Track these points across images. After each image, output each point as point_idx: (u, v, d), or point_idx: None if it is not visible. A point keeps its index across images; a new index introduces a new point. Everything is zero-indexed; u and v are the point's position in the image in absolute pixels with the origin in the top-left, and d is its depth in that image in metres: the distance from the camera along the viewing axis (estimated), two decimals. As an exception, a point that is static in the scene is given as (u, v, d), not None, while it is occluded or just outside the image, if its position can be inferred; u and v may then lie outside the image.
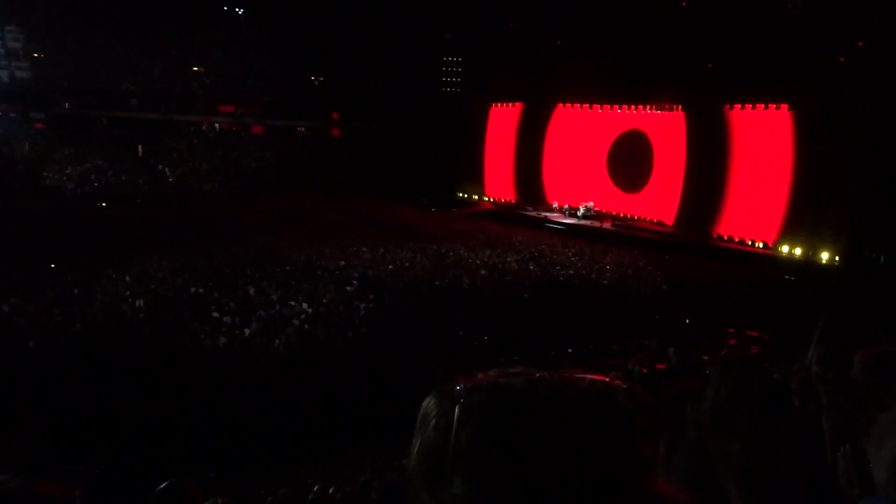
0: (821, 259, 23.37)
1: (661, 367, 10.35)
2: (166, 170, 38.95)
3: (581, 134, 33.49)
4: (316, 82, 45.34)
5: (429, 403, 0.77)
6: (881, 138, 21.69)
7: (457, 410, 0.74)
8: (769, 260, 23.70)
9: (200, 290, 15.41)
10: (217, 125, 43.56)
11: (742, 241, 26.16)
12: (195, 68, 43.24)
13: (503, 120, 36.94)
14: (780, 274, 21.38)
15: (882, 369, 2.11)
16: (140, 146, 39.21)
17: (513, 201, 35.88)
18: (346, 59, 40.88)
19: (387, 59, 39.54)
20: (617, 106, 32.14)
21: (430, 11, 35.26)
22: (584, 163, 33.34)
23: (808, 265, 22.87)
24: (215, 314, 13.71)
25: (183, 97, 42.06)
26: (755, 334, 13.83)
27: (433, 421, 0.75)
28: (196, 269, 17.52)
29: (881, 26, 21.57)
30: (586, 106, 33.22)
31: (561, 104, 34.09)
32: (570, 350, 12.98)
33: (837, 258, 22.92)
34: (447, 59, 41.09)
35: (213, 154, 41.03)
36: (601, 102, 32.51)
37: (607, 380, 0.82)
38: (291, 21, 39.89)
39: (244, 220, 27.48)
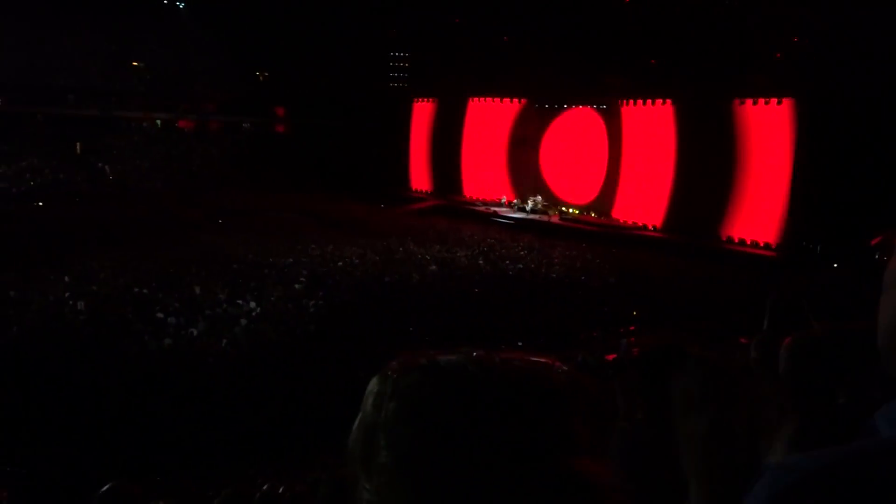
0: (760, 249, 24.11)
1: (610, 357, 10.55)
2: (106, 167, 37.86)
3: (530, 130, 33.86)
4: (261, 78, 44.66)
5: (372, 383, 0.79)
6: (815, 131, 22.48)
7: (388, 384, 0.76)
8: (710, 251, 24.29)
9: (144, 291, 15.07)
10: (159, 121, 42.52)
11: (686, 233, 26.77)
12: (135, 63, 42.10)
13: (479, 116, 37.00)
14: (721, 264, 21.94)
15: (805, 354, 2.15)
16: (78, 143, 38.02)
17: (465, 198, 35.99)
18: (292, 54, 40.37)
19: (333, 54, 39.17)
20: (556, 103, 32.70)
21: (377, 7, 35.05)
22: (536, 157, 33.75)
23: (748, 256, 23.53)
24: (160, 314, 13.41)
25: (123, 93, 40.89)
26: (701, 324, 14.17)
27: (371, 398, 0.77)
28: (139, 269, 17.13)
29: (813, 23, 22.32)
30: (544, 102, 33.51)
31: (528, 101, 34.27)
32: (520, 343, 13.10)
33: (776, 248, 23.69)
34: (394, 54, 40.92)
35: (156, 151, 40.06)
36: (551, 100, 32.87)
37: (548, 361, 0.82)
38: (235, 15, 39.20)
39: (189, 218, 26.94)
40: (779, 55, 24.51)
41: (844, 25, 20.55)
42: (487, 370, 0.75)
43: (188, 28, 41.80)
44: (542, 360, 0.82)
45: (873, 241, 0.81)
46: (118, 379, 10.13)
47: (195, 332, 12.62)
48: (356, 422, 0.78)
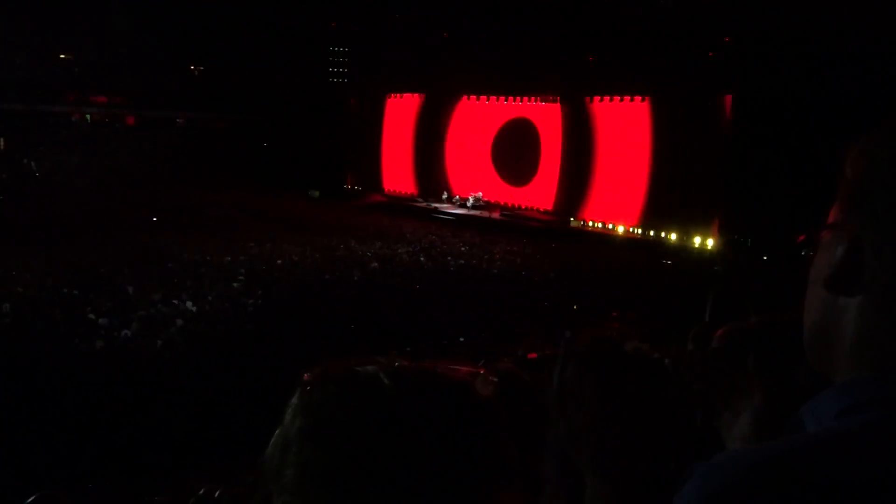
0: (694, 243, 24.79)
1: (550, 352, 10.67)
2: (32, 164, 36.46)
3: (474, 125, 33.90)
4: (196, 72, 43.63)
5: (296, 393, 0.76)
6: (743, 128, 23.24)
7: (300, 398, 0.72)
8: (648, 245, 24.85)
9: (74, 292, 14.56)
10: (89, 116, 41.13)
11: (618, 229, 27.33)
12: (62, 56, 40.60)
13: (400, 111, 36.83)
14: (658, 258, 22.48)
15: (735, 345, 2.19)
16: (1, 139, 36.50)
17: (412, 193, 35.86)
18: (229, 47, 39.56)
19: (271, 48, 38.55)
20: (503, 98, 32.76)
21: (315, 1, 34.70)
22: (475, 153, 33.79)
23: (682, 249, 24.18)
24: (91, 316, 12.98)
25: (50, 86, 39.38)
26: (633, 316, 14.49)
27: (289, 409, 0.74)
28: (68, 269, 16.54)
29: (743, 22, 23.05)
30: (483, 98, 33.54)
31: (466, 96, 34.22)
32: (461, 339, 13.14)
33: (709, 242, 24.40)
34: (334, 49, 40.52)
35: (86, 147, 38.75)
36: (496, 94, 32.92)
37: (479, 371, 0.80)
38: (169, 7, 38.17)
39: (121, 216, 26.15)
40: (711, 54, 25.21)
41: (777, 26, 21.21)
42: (405, 384, 0.71)
43: (118, 20, 40.49)
44: (469, 370, 0.78)
45: (800, 238, 0.83)
46: (46, 383, 9.77)
47: (128, 334, 12.26)
48: (276, 433, 0.74)
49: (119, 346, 11.84)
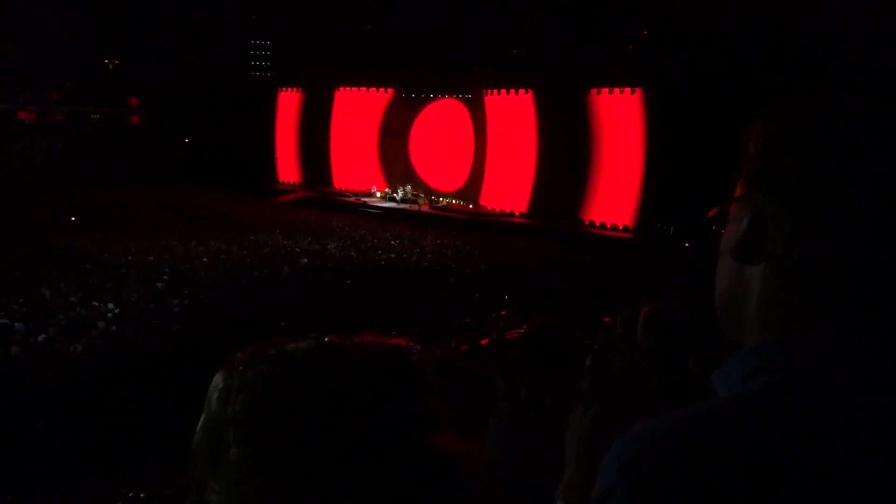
0: (618, 232, 25.44)
1: (483, 342, 10.76)
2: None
3: (400, 120, 33.89)
4: (111, 66, 42.02)
5: (216, 379, 0.76)
6: (665, 119, 23.94)
7: (235, 378, 0.73)
8: (578, 235, 25.34)
9: (-16, 296, 13.85)
10: (-6, 114, 39.12)
11: (547, 217, 27.82)
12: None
13: (347, 106, 36.54)
14: (582, 247, 22.93)
15: (658, 326, 2.27)
16: None
17: (334, 189, 35.59)
18: (144, 41, 38.24)
19: (190, 41, 37.46)
20: (421, 93, 32.96)
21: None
22: (399, 147, 33.82)
23: (608, 238, 24.76)
24: (5, 321, 12.38)
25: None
26: (563, 305, 14.76)
27: (215, 394, 0.74)
28: (-22, 273, 15.72)
29: (660, 17, 23.72)
30: (400, 91, 33.53)
31: (396, 91, 34.15)
32: (394, 332, 13.09)
33: (638, 231, 25.08)
34: (255, 42, 39.69)
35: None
36: (415, 91, 33.01)
37: (401, 342, 0.83)
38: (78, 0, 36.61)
39: (34, 217, 24.99)
40: (630, 46, 25.84)
41: (690, 19, 21.89)
42: (339, 355, 0.74)
43: (25, 12, 38.55)
44: (395, 342, 0.82)
45: (710, 213, 0.89)
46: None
47: (46, 338, 11.75)
48: (200, 422, 0.74)
49: (36, 352, 11.35)
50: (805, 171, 0.74)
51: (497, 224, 27.44)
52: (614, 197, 25.83)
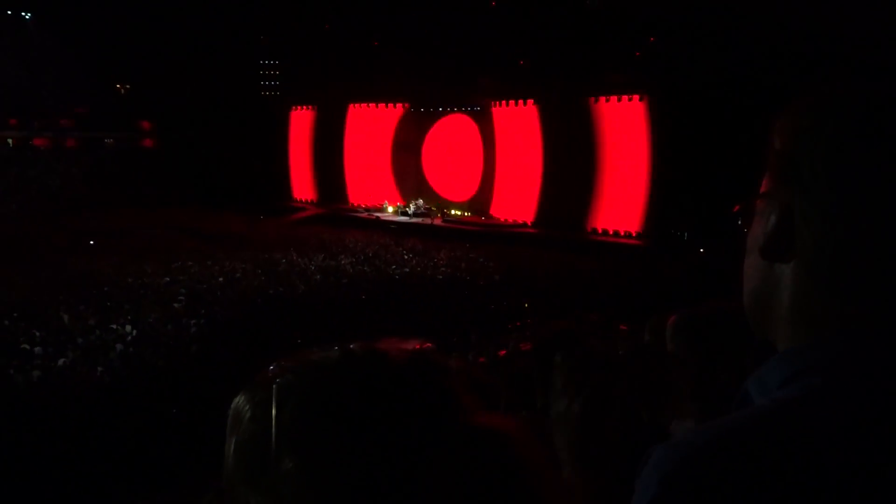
0: (628, 239, 25.34)
1: (501, 353, 10.71)
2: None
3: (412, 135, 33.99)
4: (122, 90, 42.44)
5: (239, 401, 0.77)
6: (671, 125, 23.89)
7: (274, 391, 0.73)
8: (587, 244, 25.25)
9: (6, 322, 13.98)
10: (10, 140, 39.56)
11: (560, 227, 27.76)
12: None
13: (301, 123, 36.77)
14: (599, 255, 22.84)
15: (688, 332, 2.26)
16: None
17: (347, 205, 35.67)
18: (155, 64, 38.59)
19: (199, 65, 37.75)
20: (429, 108, 33.16)
21: (241, 14, 34.13)
22: (412, 161, 33.89)
23: (618, 246, 24.66)
24: (25, 346, 12.48)
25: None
26: (580, 313, 14.68)
27: (248, 414, 0.75)
28: (-2, 299, 15.88)
29: (666, 22, 23.72)
30: (407, 106, 33.62)
31: (407, 106, 34.26)
32: (411, 338, 13.07)
33: (647, 237, 24.97)
34: (264, 62, 39.96)
35: (7, 172, 37.22)
36: (424, 105, 33.10)
37: (428, 346, 0.84)
38: (90, 26, 37.01)
39: (52, 241, 25.21)
40: (637, 54, 25.84)
41: (693, 26, 21.86)
42: (372, 358, 0.76)
43: (37, 40, 39.08)
44: (416, 344, 0.84)
45: (735, 209, 0.87)
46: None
47: (66, 362, 11.83)
48: (230, 443, 0.75)
49: (56, 376, 11.43)
50: (837, 165, 0.71)
51: (509, 235, 27.41)
52: (622, 205, 25.72)
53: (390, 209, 32.78)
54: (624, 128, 25.51)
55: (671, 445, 0.70)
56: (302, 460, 0.70)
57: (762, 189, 0.80)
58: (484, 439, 0.73)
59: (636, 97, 25.12)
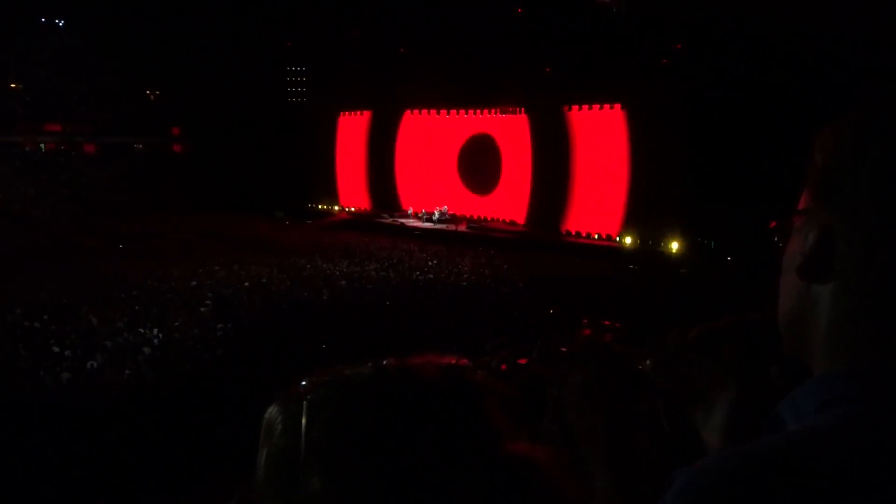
0: (660, 248, 25.06)
1: (522, 361, 10.66)
2: (-14, 196, 35.66)
3: (431, 139, 33.88)
4: (152, 97, 43.08)
5: (272, 412, 0.76)
6: (704, 134, 23.64)
7: (304, 408, 0.73)
8: (615, 252, 25.08)
9: (36, 324, 14.20)
10: (43, 145, 40.31)
11: (588, 236, 27.54)
12: (13, 85, 39.78)
13: (352, 128, 36.73)
14: (625, 264, 22.69)
15: (709, 342, 2.22)
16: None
17: (368, 209, 35.76)
18: (184, 71, 39.13)
19: (227, 70, 38.20)
20: (464, 111, 32.81)
21: (270, 20, 34.47)
22: (436, 168, 33.75)
23: (649, 255, 24.43)
24: (55, 348, 12.66)
25: (1, 117, 38.53)
26: (608, 323, 14.54)
27: (279, 426, 0.74)
28: (30, 302, 16.14)
29: (700, 28, 23.51)
30: (434, 112, 33.58)
31: (409, 111, 34.19)
32: (447, 352, 13.06)
33: (675, 247, 24.70)
34: (291, 68, 40.30)
35: (41, 176, 37.97)
36: (448, 108, 32.99)
37: (454, 361, 0.83)
38: (120, 32, 37.65)
39: (82, 244, 25.62)
40: (665, 61, 25.65)
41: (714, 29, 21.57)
42: (405, 376, 0.74)
43: (71, 47, 39.82)
44: (448, 360, 0.82)
45: (771, 224, 0.84)
46: (11, 418, 9.50)
47: (94, 365, 11.99)
48: (262, 454, 0.74)
49: (85, 378, 11.58)
50: (882, 185, 0.68)
51: (539, 242, 27.30)
52: (655, 214, 25.37)
53: (414, 215, 32.78)
54: (655, 138, 25.20)
55: (696, 470, 0.66)
56: (330, 480, 0.69)
57: (800, 206, 0.77)
58: (514, 469, 0.71)
59: (668, 106, 24.82)
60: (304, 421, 0.71)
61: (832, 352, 0.73)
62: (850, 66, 19.00)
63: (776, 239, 0.81)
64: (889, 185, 0.68)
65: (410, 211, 33.31)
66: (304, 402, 0.73)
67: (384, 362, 0.78)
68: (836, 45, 20.37)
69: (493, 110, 31.76)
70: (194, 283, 18.65)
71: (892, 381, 0.67)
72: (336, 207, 37.07)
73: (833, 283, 0.72)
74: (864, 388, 0.68)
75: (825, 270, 0.72)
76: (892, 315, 0.69)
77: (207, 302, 16.44)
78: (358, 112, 36.28)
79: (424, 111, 33.77)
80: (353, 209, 36.68)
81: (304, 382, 0.76)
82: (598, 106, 27.92)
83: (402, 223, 32.03)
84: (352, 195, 37.01)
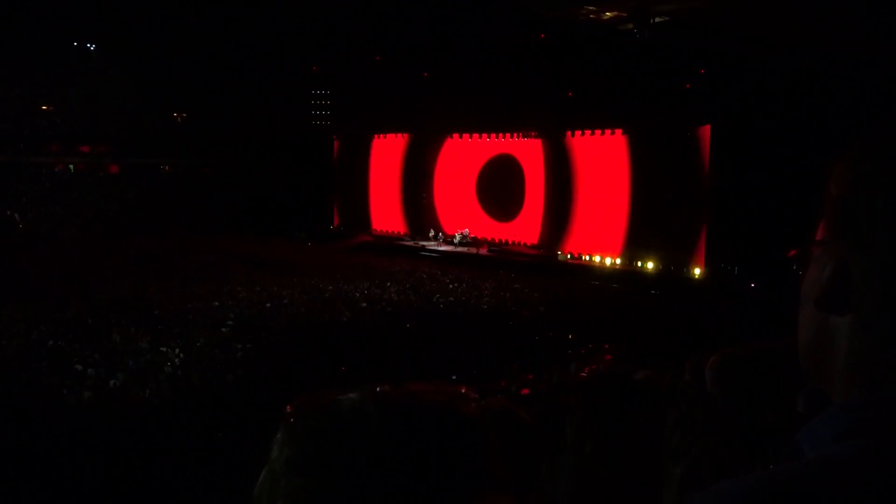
0: (683, 273, 24.85)
1: (542, 387, 10.57)
2: (16, 215, 36.27)
3: (459, 163, 33.92)
4: (179, 119, 43.77)
5: (277, 436, 0.77)
6: (723, 159, 23.56)
7: (286, 430, 0.73)
8: (636, 276, 24.92)
9: (60, 343, 14.38)
10: (72, 166, 41.05)
11: (602, 260, 27.31)
12: (44, 107, 40.64)
13: (386, 151, 36.83)
14: (647, 289, 22.54)
15: (729, 373, 2.18)
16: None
17: (401, 232, 35.72)
18: (210, 94, 39.75)
19: (252, 93, 38.76)
20: (486, 135, 32.94)
21: (296, 45, 34.93)
22: (461, 191, 33.77)
23: (672, 279, 24.23)
24: (78, 366, 12.80)
25: (31, 137, 39.30)
26: (626, 348, 14.45)
27: (275, 443, 0.74)
28: (55, 320, 16.35)
29: (715, 55, 23.51)
30: (466, 136, 33.58)
31: (452, 136, 34.16)
32: (454, 377, 13.03)
33: (697, 272, 24.48)
34: (315, 92, 40.79)
35: (69, 196, 38.64)
36: (480, 132, 32.99)
37: (461, 390, 0.81)
38: (149, 56, 38.37)
39: (107, 264, 25.96)
40: (688, 85, 25.64)
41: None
42: (388, 407, 0.72)
43: (100, 70, 40.66)
44: (452, 390, 0.80)
45: (790, 253, 0.83)
46: (34, 436, 9.58)
47: (117, 384, 12.09)
48: (263, 471, 0.74)
49: (107, 397, 11.67)
50: None
51: (560, 267, 27.21)
52: (679, 239, 25.20)
53: (435, 238, 32.78)
54: (680, 161, 25.19)
55: (709, 496, 0.66)
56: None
57: (818, 235, 0.77)
58: None
59: (696, 129, 24.78)
60: (277, 444, 0.72)
61: (850, 383, 0.73)
62: (859, 94, 18.91)
63: (795, 268, 0.82)
64: None
65: (431, 233, 33.35)
66: (285, 426, 0.73)
67: (377, 389, 0.76)
68: (845, 72, 20.30)
69: (514, 134, 31.83)
70: (216, 303, 18.79)
71: None
72: (361, 230, 37.07)
73: (851, 316, 0.72)
74: (881, 419, 0.67)
75: (842, 303, 0.72)
76: None
77: (229, 322, 16.56)
78: (394, 135, 36.12)
79: (466, 135, 33.66)
80: (385, 231, 36.63)
81: (294, 404, 0.76)
82: (600, 131, 28.27)
83: (423, 245, 32.09)
84: (385, 218, 37.00)
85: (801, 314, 0.80)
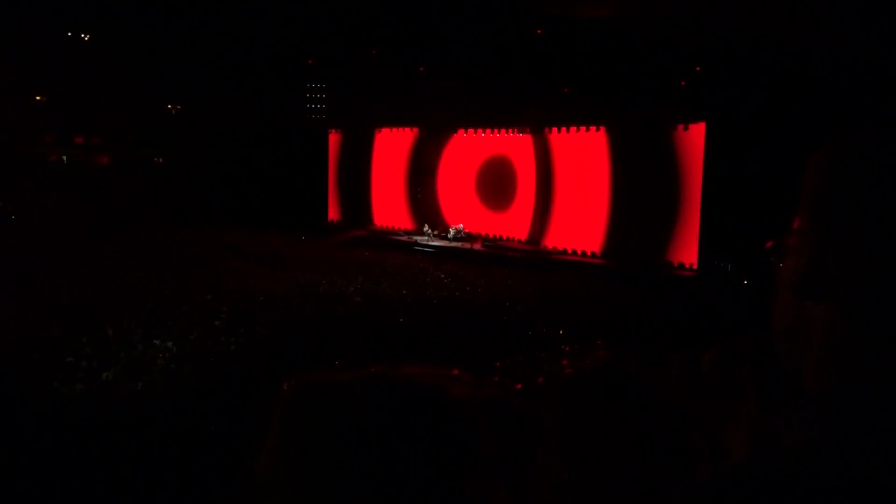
0: (677, 269, 24.96)
1: (540, 381, 10.61)
2: (7, 206, 36.12)
3: (463, 158, 33.90)
4: (173, 111, 43.63)
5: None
6: (715, 157, 23.65)
7: (277, 409, 0.78)
8: (631, 273, 24.98)
9: (52, 334, 14.32)
10: (64, 157, 40.90)
11: (600, 256, 27.41)
12: (37, 97, 40.45)
13: (390, 145, 36.66)
14: (641, 285, 22.59)
15: (722, 365, 2.19)
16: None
17: (406, 228, 35.64)
18: (204, 86, 39.63)
19: (247, 85, 38.66)
20: (482, 130, 32.90)
21: (292, 37, 34.81)
22: (463, 186, 33.75)
23: (665, 275, 24.32)
24: (70, 359, 12.75)
25: (23, 128, 39.15)
26: (620, 343, 14.46)
27: (272, 422, 0.79)
28: (45, 312, 16.28)
29: (708, 52, 23.57)
30: (471, 131, 33.51)
31: (457, 129, 34.01)
32: (447, 363, 13.04)
33: (691, 267, 24.59)
34: (311, 85, 40.69)
35: (61, 187, 38.49)
36: (479, 127, 32.97)
37: (454, 373, 0.82)
38: (143, 47, 38.20)
39: (100, 255, 25.85)
40: (683, 83, 25.67)
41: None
42: (381, 388, 0.74)
43: (93, 60, 40.45)
44: (446, 373, 0.81)
45: (767, 245, 0.85)
46: (24, 428, 9.55)
47: (109, 376, 12.06)
48: (263, 447, 0.78)
49: (99, 389, 11.64)
50: (871, 206, 0.70)
51: (556, 262, 27.25)
52: (680, 235, 25.30)
53: (429, 233, 32.79)
54: (682, 157, 25.27)
55: (695, 483, 0.69)
56: (276, 479, 0.70)
57: (795, 225, 0.80)
58: None
59: (688, 126, 24.89)
60: (275, 421, 0.75)
61: (825, 370, 0.75)
62: (840, 91, 19.06)
63: (772, 259, 0.85)
64: (879, 208, 0.70)
65: (426, 228, 33.33)
66: (279, 403, 0.76)
67: (371, 370, 0.78)
68: (829, 72, 20.38)
69: (509, 130, 31.81)
70: (209, 296, 18.75)
71: (881, 399, 0.68)
72: (360, 224, 36.97)
73: (826, 303, 0.75)
74: (853, 405, 0.69)
75: (818, 290, 0.75)
76: (882, 334, 0.70)
77: (222, 316, 16.53)
78: (400, 129, 35.87)
79: (471, 130, 33.49)
80: (389, 227, 36.51)
81: (289, 382, 0.78)
82: (585, 128, 28.30)
83: (416, 241, 32.09)
84: (388, 212, 36.87)
85: (778, 301, 0.83)
